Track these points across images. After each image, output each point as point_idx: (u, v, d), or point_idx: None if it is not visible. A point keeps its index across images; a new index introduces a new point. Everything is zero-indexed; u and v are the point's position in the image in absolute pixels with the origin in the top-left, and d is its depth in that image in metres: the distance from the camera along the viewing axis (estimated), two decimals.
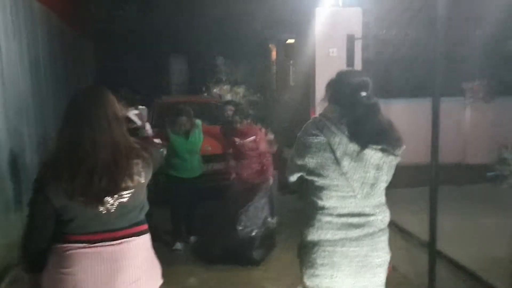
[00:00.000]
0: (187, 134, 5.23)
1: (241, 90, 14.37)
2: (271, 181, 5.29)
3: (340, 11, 7.53)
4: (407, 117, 7.01)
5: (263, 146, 5.30)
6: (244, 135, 5.28)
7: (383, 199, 2.34)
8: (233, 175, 5.38)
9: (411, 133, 5.76)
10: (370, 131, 2.17)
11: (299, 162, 2.29)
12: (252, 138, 5.25)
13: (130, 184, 2.00)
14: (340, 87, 2.28)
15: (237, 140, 5.27)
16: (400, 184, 6.04)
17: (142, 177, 2.06)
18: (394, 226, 5.12)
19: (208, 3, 17.00)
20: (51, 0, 6.42)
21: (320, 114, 2.30)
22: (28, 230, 2.03)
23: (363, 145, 2.16)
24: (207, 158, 6.38)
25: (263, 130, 5.73)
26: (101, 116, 1.99)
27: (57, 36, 6.99)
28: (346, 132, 2.18)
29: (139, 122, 2.53)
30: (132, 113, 2.46)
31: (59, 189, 1.93)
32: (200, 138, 5.37)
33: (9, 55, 4.22)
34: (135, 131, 2.49)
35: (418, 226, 5.10)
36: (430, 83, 4.70)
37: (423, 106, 5.46)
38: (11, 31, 4.32)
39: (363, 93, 2.22)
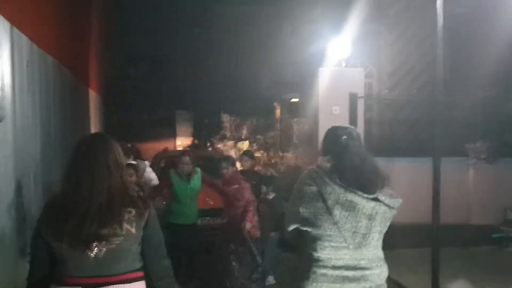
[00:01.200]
0: (189, 178, 5.33)
1: (244, 146, 14.51)
2: (249, 226, 5.21)
3: (343, 71, 7.76)
4: (410, 176, 7.03)
5: (247, 195, 5.28)
6: (228, 183, 5.32)
7: (379, 253, 2.33)
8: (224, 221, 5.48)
9: (415, 192, 5.78)
10: (353, 169, 2.27)
11: (294, 211, 2.34)
12: (235, 186, 5.27)
13: (118, 231, 2.01)
14: (328, 135, 2.50)
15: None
16: (404, 244, 6.00)
17: (133, 227, 2.05)
18: (395, 285, 5.02)
19: (215, 63, 17.59)
20: (63, 55, 6.66)
21: (316, 165, 2.41)
22: (30, 270, 2.08)
23: (348, 185, 2.23)
24: (208, 212, 6.35)
25: (264, 188, 5.78)
26: (102, 164, 2.06)
27: (68, 90, 7.18)
28: (338, 181, 2.25)
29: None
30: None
31: (53, 230, 1.99)
32: (199, 184, 5.47)
33: (23, 107, 4.32)
34: None
35: (421, 286, 4.99)
36: (432, 143, 4.78)
37: (426, 165, 5.49)
38: (26, 83, 4.46)
39: (345, 136, 2.40)
